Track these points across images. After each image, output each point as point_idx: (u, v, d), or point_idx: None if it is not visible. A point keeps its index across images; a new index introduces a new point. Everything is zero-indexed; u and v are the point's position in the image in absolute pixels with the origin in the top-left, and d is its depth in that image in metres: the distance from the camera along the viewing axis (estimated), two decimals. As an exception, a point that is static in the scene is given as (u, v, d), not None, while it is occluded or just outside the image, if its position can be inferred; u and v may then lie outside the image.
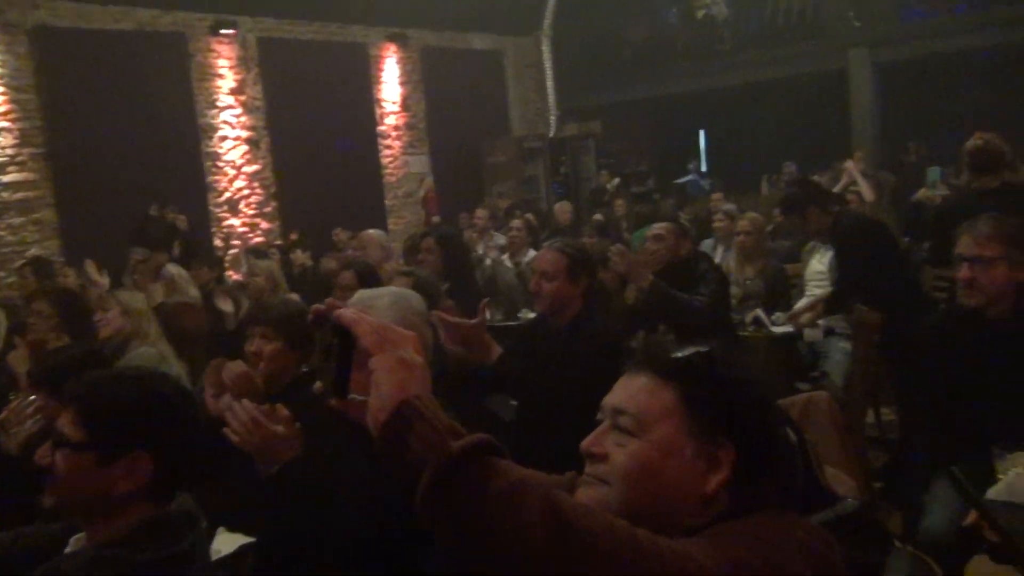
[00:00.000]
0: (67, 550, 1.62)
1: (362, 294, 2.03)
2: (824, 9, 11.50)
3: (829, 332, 4.53)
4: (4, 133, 8.34)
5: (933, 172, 7.69)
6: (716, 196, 9.21)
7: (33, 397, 2.56)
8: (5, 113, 8.35)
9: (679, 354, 1.22)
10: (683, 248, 4.23)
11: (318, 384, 1.13)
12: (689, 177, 13.26)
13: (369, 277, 3.79)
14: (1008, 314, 2.65)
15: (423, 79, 12.20)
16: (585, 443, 1.21)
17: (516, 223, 6.36)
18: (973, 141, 4.49)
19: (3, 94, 8.34)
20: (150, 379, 1.69)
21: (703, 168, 14.56)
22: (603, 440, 1.19)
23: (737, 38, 12.45)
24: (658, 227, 4.32)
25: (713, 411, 1.16)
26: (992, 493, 2.10)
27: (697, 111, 14.45)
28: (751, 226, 5.16)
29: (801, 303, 4.82)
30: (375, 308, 1.85)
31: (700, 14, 12.92)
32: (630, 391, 1.21)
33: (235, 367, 2.66)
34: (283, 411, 2.06)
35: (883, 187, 7.75)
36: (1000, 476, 2.13)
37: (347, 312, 1.06)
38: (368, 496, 1.66)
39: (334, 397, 1.07)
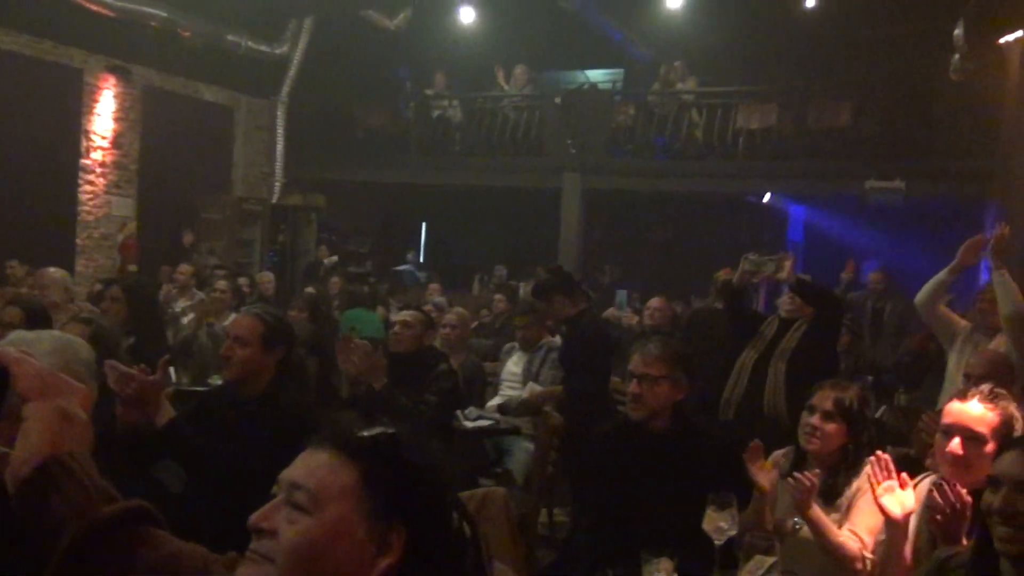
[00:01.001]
0: None
1: (19, 334, 1.80)
2: (547, 132, 12.49)
3: (515, 432, 4.74)
4: None
5: (621, 295, 8.50)
6: (433, 287, 9.47)
7: None
8: None
9: (365, 433, 1.20)
10: (427, 339, 4.30)
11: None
12: (406, 267, 13.52)
13: (39, 318, 3.38)
14: (665, 428, 2.94)
15: (141, 119, 11.44)
16: (254, 517, 1.13)
17: (221, 284, 6.07)
18: (723, 274, 5.13)
19: None
20: None
21: (421, 259, 14.93)
22: (273, 515, 1.13)
23: (467, 143, 13.09)
24: (407, 314, 4.37)
25: (391, 493, 1.14)
26: (637, 597, 2.27)
27: (422, 204, 14.89)
28: (457, 320, 5.35)
29: (493, 401, 5.03)
30: (33, 352, 1.65)
31: (435, 114, 13.48)
32: (310, 466, 1.16)
33: None
34: None
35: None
36: (645, 580, 2.30)
37: (8, 350, 0.93)
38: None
39: None
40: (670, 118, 12.01)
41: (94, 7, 10.04)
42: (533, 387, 4.99)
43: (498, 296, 9.11)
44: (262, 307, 3.11)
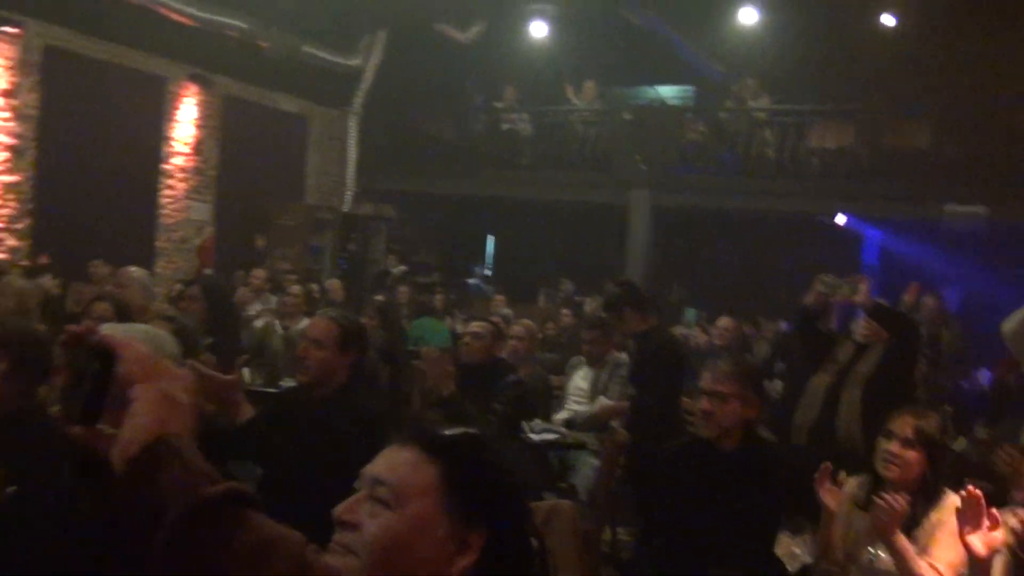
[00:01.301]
0: None
1: (110, 327, 1.87)
2: (615, 149, 12.46)
3: (581, 446, 4.71)
4: None
5: (690, 313, 8.40)
6: (499, 299, 9.50)
7: None
8: None
9: (447, 432, 1.22)
10: (497, 350, 4.35)
11: (56, 408, 1.00)
12: (474, 280, 13.59)
13: (125, 314, 3.50)
14: (735, 447, 2.90)
15: (221, 127, 11.77)
16: (338, 509, 1.16)
17: (295, 289, 6.19)
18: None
19: None
20: None
21: (487, 272, 15.00)
22: (357, 509, 1.15)
23: (536, 157, 13.14)
24: (477, 325, 4.42)
25: (473, 494, 1.15)
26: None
27: (489, 216, 14.97)
28: (525, 332, 5.35)
29: (560, 415, 5.00)
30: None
31: (504, 127, 13.56)
32: (393, 463, 1.18)
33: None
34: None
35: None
36: (715, 598, 2.26)
37: (117, 335, 0.97)
38: (90, 540, 1.48)
39: (80, 424, 0.96)
40: (742, 136, 11.87)
41: (178, 17, 10.39)
42: (603, 401, 4.95)
43: (564, 310, 9.09)
44: (338, 311, 3.16)
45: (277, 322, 6.02)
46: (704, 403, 2.90)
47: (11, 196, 9.41)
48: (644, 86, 14.83)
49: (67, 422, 0.97)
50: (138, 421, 0.89)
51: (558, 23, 12.92)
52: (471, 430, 1.23)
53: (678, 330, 7.64)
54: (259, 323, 5.92)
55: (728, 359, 3.05)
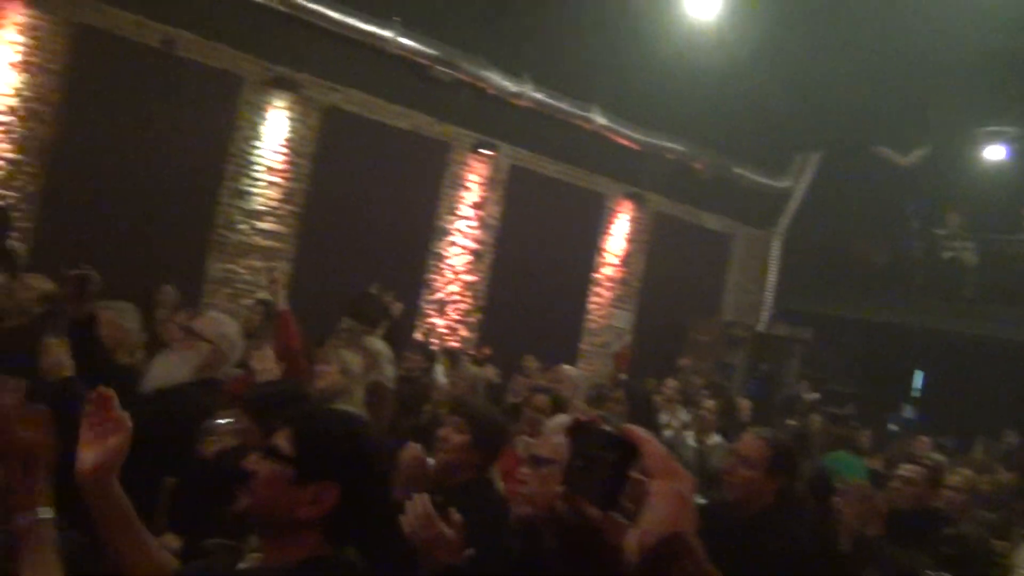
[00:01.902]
0: (241, 565, 1.68)
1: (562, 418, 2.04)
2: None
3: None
4: (273, 187, 9.28)
5: None
6: (924, 440, 8.55)
7: (235, 420, 2.74)
8: (282, 171, 9.32)
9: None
10: (931, 498, 3.96)
11: (560, 489, 1.09)
12: (897, 421, 12.42)
13: (560, 407, 3.79)
14: None
15: (648, 241, 12.45)
16: None
17: (709, 404, 6.19)
18: None
19: (285, 155, 9.33)
20: (363, 426, 1.78)
21: (912, 413, 13.63)
22: None
23: (982, 288, 11.82)
24: (909, 468, 4.08)
25: None
26: None
27: (920, 349, 13.70)
28: (964, 483, 4.74)
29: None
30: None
31: (946, 255, 12.44)
32: None
33: (410, 451, 2.74)
34: (456, 516, 2.09)
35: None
36: None
37: (638, 429, 1.05)
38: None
39: (598, 508, 1.02)
40: None
41: (625, 142, 11.35)
42: None
43: (1002, 464, 7.90)
44: (772, 431, 3.10)
45: (688, 434, 6.06)
46: None
47: (469, 293, 10.85)
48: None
49: (574, 504, 1.05)
50: (656, 515, 0.94)
51: (1017, 144, 11.68)
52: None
53: None
54: (669, 433, 6.00)
55: None
